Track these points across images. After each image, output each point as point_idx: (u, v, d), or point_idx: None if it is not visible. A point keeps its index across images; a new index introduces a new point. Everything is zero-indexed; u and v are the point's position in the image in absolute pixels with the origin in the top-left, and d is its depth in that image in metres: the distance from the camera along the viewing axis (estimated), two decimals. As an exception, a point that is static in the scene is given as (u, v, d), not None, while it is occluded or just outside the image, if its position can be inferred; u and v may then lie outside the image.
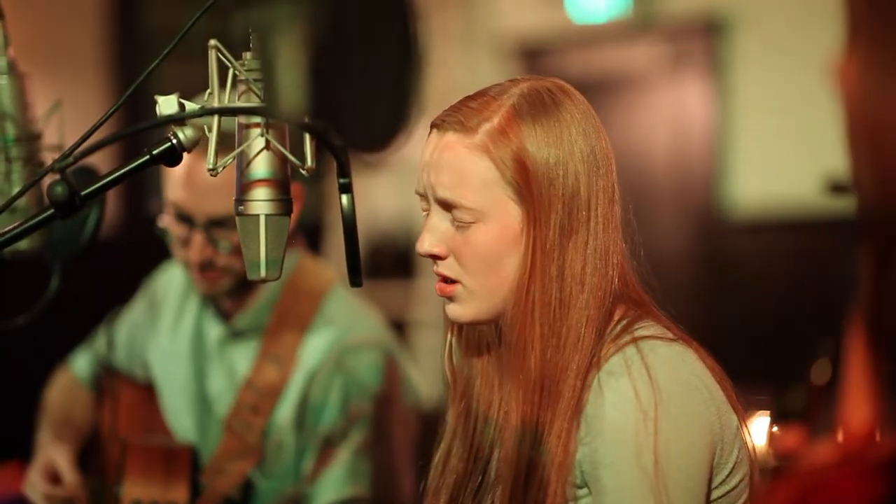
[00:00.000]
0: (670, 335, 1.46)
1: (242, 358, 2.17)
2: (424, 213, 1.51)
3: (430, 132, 1.49)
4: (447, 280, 1.49)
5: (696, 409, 1.40)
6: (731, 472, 1.43)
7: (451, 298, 1.49)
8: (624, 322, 1.47)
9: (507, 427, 1.50)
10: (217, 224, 2.01)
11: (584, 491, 1.42)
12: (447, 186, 1.45)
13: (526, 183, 1.43)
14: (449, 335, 1.59)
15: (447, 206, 1.46)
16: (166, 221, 2.07)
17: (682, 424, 1.39)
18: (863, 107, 0.76)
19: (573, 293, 1.44)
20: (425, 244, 1.48)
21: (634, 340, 1.43)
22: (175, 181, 2.04)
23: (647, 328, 1.46)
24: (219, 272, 2.06)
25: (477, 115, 1.45)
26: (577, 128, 1.45)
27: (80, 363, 2.41)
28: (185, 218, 2.04)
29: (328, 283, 2.19)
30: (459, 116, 1.46)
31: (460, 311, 1.49)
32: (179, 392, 2.24)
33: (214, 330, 2.22)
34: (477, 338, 1.57)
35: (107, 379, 2.29)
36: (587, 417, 1.41)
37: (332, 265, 2.32)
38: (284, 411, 2.11)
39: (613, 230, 1.47)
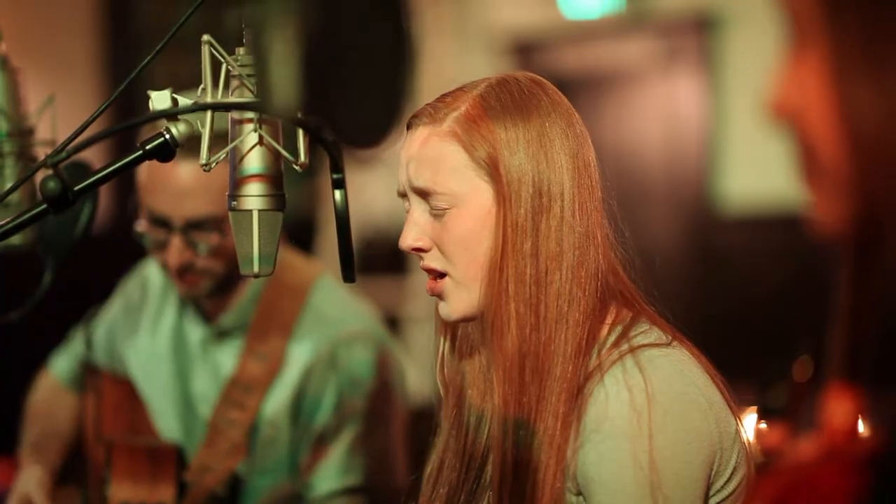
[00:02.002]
0: (665, 339, 1.45)
1: (227, 357, 2.15)
2: (407, 213, 1.51)
3: (405, 132, 1.50)
4: (435, 276, 1.48)
5: (694, 425, 1.39)
6: (730, 477, 1.42)
7: (440, 296, 1.48)
8: (620, 327, 1.45)
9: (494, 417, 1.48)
10: (195, 226, 1.99)
11: (579, 499, 1.41)
12: (421, 176, 1.46)
13: (494, 162, 1.43)
14: (441, 345, 1.58)
15: (423, 194, 1.47)
16: (143, 226, 2.03)
17: (679, 442, 1.38)
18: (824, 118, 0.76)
19: (550, 270, 1.42)
20: (408, 239, 1.48)
21: (632, 350, 1.41)
22: (150, 185, 2.01)
23: (645, 334, 1.45)
24: (198, 275, 2.03)
25: (446, 107, 1.47)
26: (545, 110, 1.45)
27: (61, 364, 2.38)
28: (161, 222, 2.00)
29: (312, 276, 2.17)
30: (430, 110, 1.48)
31: (450, 307, 1.48)
32: (162, 393, 2.21)
33: (197, 331, 2.19)
34: (469, 348, 1.56)
35: (90, 378, 2.26)
36: (585, 426, 1.39)
37: (318, 259, 2.31)
38: (278, 406, 2.10)
39: (594, 211, 1.46)
